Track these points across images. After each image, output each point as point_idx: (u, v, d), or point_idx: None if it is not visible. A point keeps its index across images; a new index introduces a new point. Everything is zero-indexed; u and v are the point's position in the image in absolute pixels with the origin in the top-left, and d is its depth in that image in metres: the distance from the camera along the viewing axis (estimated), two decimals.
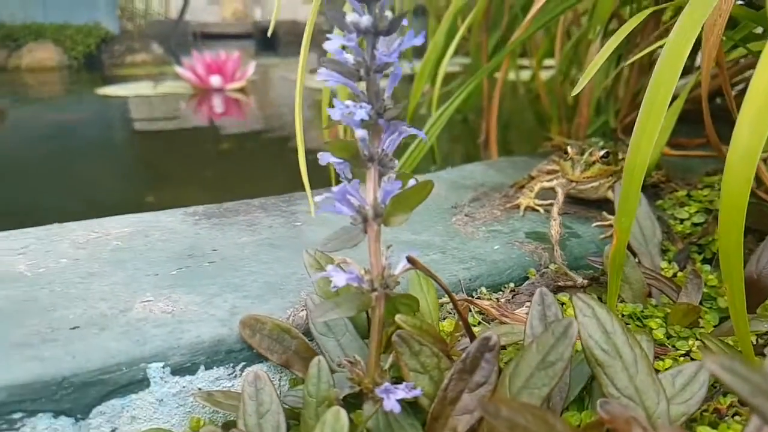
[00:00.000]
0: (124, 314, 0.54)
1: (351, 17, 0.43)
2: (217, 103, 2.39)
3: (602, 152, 0.76)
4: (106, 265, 0.63)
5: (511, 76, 1.70)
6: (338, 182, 0.47)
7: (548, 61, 1.70)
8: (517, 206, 0.80)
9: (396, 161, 0.49)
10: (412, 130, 0.48)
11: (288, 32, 5.56)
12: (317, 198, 0.47)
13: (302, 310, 0.56)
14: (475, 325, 0.59)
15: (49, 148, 1.83)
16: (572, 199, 0.83)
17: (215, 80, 2.45)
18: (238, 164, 1.69)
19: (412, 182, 0.47)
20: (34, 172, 1.59)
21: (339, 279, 0.44)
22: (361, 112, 0.44)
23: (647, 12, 0.70)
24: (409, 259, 0.47)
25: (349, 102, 0.45)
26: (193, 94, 2.53)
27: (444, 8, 1.83)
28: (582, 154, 0.76)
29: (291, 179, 1.60)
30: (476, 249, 0.69)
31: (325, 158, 0.49)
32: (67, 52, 3.64)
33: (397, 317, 0.48)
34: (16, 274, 0.61)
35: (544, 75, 1.70)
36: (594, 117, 1.34)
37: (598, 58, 0.68)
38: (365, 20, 0.43)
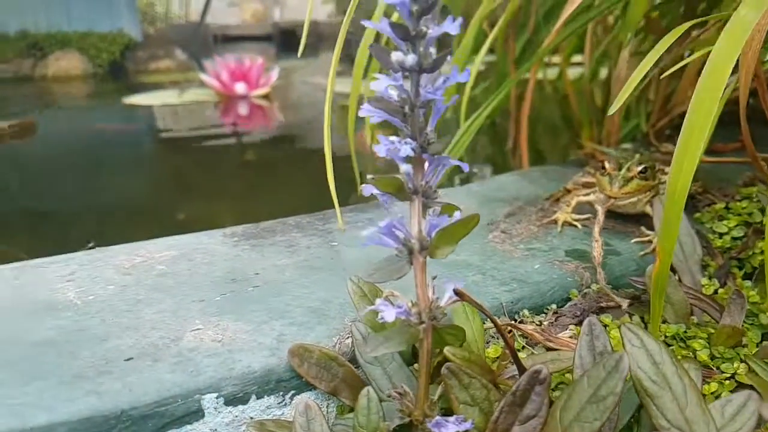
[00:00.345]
0: (175, 344, 0.55)
1: (396, 56, 0.44)
2: (243, 111, 2.41)
3: (640, 167, 0.75)
4: (152, 292, 0.65)
5: (538, 74, 1.68)
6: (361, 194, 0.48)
7: (575, 57, 1.68)
8: (555, 221, 0.80)
9: (439, 192, 0.49)
10: (456, 162, 0.49)
11: (309, 33, 5.56)
12: (364, 232, 0.47)
13: (348, 337, 0.56)
14: (519, 350, 0.59)
15: (79, 162, 1.87)
16: (609, 213, 0.82)
17: (240, 87, 2.47)
18: (265, 174, 1.71)
19: (457, 215, 0.48)
20: (65, 187, 1.62)
21: (389, 314, 0.45)
22: (406, 148, 0.45)
23: (686, 26, 0.69)
24: (456, 292, 0.47)
25: (394, 138, 0.46)
26: (218, 102, 2.55)
27: (466, 8, 1.83)
28: (619, 168, 0.76)
29: (319, 189, 1.61)
30: (516, 269, 0.69)
31: (368, 190, 0.49)
32: (92, 60, 3.70)
33: (446, 350, 0.48)
34: (67, 302, 0.63)
35: (572, 72, 1.68)
36: (624, 121, 1.33)
37: (637, 73, 0.68)
38: (410, 59, 0.43)
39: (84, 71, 3.66)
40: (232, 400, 0.51)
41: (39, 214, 1.42)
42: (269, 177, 1.69)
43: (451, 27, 0.43)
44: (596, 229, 0.71)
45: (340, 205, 0.81)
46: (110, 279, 0.68)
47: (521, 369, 0.50)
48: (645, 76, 0.68)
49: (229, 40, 5.59)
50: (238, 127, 2.29)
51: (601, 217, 0.74)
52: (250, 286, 0.66)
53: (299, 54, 0.91)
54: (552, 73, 2.03)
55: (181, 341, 0.55)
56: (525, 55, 1.53)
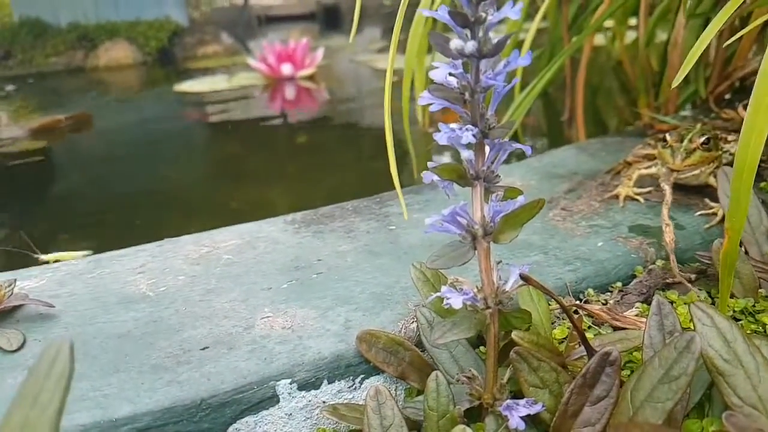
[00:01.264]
0: (247, 332, 0.57)
1: (455, 43, 0.43)
2: (290, 93, 2.43)
3: (702, 138, 0.73)
4: (221, 281, 0.67)
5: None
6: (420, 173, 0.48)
7: (630, 20, 1.61)
8: (616, 196, 0.78)
9: (501, 177, 0.49)
10: (517, 146, 0.48)
11: (351, 9, 5.53)
12: (427, 220, 0.48)
13: (412, 322, 0.57)
14: (585, 330, 0.58)
15: (135, 152, 1.93)
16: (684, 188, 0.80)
17: (286, 69, 2.50)
18: (315, 157, 1.72)
19: (521, 199, 0.47)
20: (123, 178, 1.68)
21: (455, 301, 0.45)
22: (468, 135, 0.45)
23: None
24: (522, 277, 0.47)
25: (454, 125, 0.46)
26: (266, 85, 2.58)
27: None
28: (681, 140, 0.73)
29: (368, 169, 1.62)
30: (579, 247, 0.68)
31: (428, 177, 0.49)
32: (141, 49, 3.78)
33: (514, 334, 0.48)
34: (140, 294, 0.66)
35: (626, 36, 1.61)
36: (682, 87, 1.27)
37: (699, 43, 0.65)
38: (470, 46, 0.43)
39: (134, 60, 3.74)
40: (305, 386, 0.53)
41: (101, 205, 1.47)
42: (318, 158, 1.70)
43: (511, 12, 0.42)
44: (665, 212, 0.69)
45: (391, 185, 0.81)
46: (180, 269, 0.70)
47: (590, 350, 0.49)
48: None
49: (272, 20, 5.62)
50: (286, 110, 2.31)
51: (668, 196, 0.72)
52: (314, 272, 0.68)
53: (351, 38, 0.90)
54: (603, 38, 1.95)
55: (253, 329, 0.58)
56: (578, 21, 1.47)
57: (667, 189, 0.73)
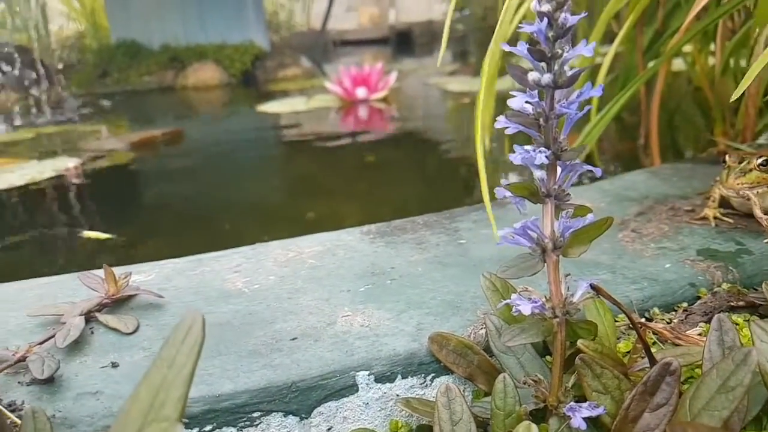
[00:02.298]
0: (330, 327, 0.63)
1: (532, 75, 0.49)
2: (363, 114, 2.54)
3: (760, 160, 0.75)
4: (307, 282, 0.74)
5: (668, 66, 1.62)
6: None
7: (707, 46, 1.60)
8: (703, 218, 0.81)
9: (571, 195, 0.53)
10: (587, 167, 0.52)
11: (423, 33, 5.69)
12: (499, 232, 0.52)
13: (481, 328, 0.62)
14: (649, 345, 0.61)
15: (221, 165, 2.06)
16: (740, 213, 0.81)
17: (360, 92, 2.61)
18: (384, 174, 1.79)
19: (590, 216, 0.52)
20: (210, 189, 1.81)
21: (525, 307, 0.50)
22: (541, 157, 0.49)
23: None
24: (593, 287, 0.51)
25: (528, 147, 0.51)
26: (341, 107, 2.70)
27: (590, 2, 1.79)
28: (742, 161, 0.76)
29: (435, 188, 1.67)
30: (646, 268, 0.70)
31: (501, 193, 0.54)
32: (227, 71, 4.01)
33: (579, 342, 0.52)
34: (237, 290, 0.73)
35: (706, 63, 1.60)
36: (760, 115, 1.26)
37: (755, 65, 0.67)
38: (546, 78, 0.48)
39: (220, 81, 3.98)
40: (381, 378, 0.58)
41: (186, 212, 1.59)
42: (387, 176, 1.77)
43: (585, 50, 0.47)
44: (756, 211, 0.72)
45: (462, 204, 0.86)
46: (270, 270, 0.78)
47: (652, 362, 0.52)
48: None
49: (346, 44, 5.83)
50: (358, 130, 2.41)
51: (716, 197, 0.76)
52: (388, 278, 0.74)
53: (438, 63, 0.96)
54: (681, 63, 1.93)
55: (335, 325, 0.64)
56: (654, 47, 1.49)
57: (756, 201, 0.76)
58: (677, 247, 0.76)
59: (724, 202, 0.83)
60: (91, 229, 1.46)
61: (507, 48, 0.50)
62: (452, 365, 0.59)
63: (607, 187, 1.00)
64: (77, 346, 0.63)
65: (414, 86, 3.27)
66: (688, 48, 1.66)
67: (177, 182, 1.91)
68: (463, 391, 0.61)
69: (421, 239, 0.85)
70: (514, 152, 0.51)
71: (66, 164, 2.02)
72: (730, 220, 0.80)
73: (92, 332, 0.66)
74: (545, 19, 0.47)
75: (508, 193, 0.53)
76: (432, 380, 0.59)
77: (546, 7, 0.47)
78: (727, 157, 0.78)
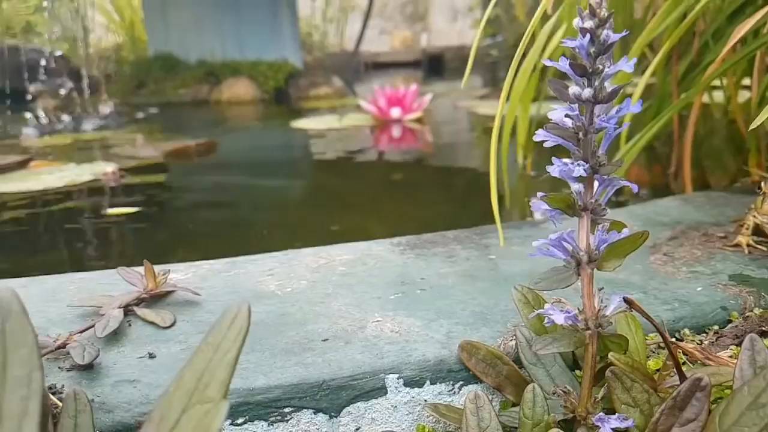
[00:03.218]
0: (361, 331, 0.64)
1: (573, 89, 0.50)
2: (396, 134, 2.57)
3: None
4: (338, 288, 0.75)
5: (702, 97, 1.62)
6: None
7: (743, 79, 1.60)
8: (737, 245, 0.81)
9: (608, 210, 0.54)
10: (625, 182, 0.53)
11: (454, 58, 5.75)
12: (534, 243, 0.53)
13: (511, 339, 0.62)
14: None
15: (253, 176, 2.10)
16: None
17: (395, 112, 2.64)
18: (412, 192, 1.81)
19: (626, 231, 0.52)
20: (240, 198, 1.84)
21: (558, 317, 0.50)
22: (579, 170, 0.51)
23: None
24: (627, 300, 0.51)
25: (567, 160, 0.52)
26: (375, 126, 2.74)
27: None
28: None
29: (462, 205, 1.68)
30: (678, 290, 0.70)
31: (537, 206, 0.55)
32: (260, 87, 4.09)
33: (611, 355, 0.52)
34: (270, 292, 0.75)
35: (740, 96, 1.60)
36: None
37: None
38: (586, 93, 0.49)
39: (253, 96, 4.06)
40: (410, 383, 0.59)
41: (216, 219, 1.62)
42: (415, 193, 1.79)
43: (626, 66, 0.48)
44: None
45: (483, 222, 0.87)
46: (302, 275, 0.79)
47: (682, 379, 0.52)
48: None
49: (378, 66, 5.91)
50: (391, 148, 2.44)
51: (749, 225, 0.76)
52: (418, 288, 0.75)
53: (463, 84, 0.98)
54: (716, 95, 1.93)
55: (365, 329, 0.65)
56: (688, 77, 1.49)
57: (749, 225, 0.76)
58: (710, 271, 0.76)
59: (757, 230, 0.82)
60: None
61: (549, 63, 0.52)
62: (481, 374, 0.59)
63: (639, 211, 1.00)
64: (115, 336, 0.65)
65: (446, 108, 3.30)
66: (720, 80, 1.66)
67: (208, 190, 1.95)
68: (491, 401, 0.61)
69: (452, 253, 0.86)
70: (552, 165, 0.52)
71: (104, 169, 2.08)
72: (764, 248, 0.80)
73: (129, 325, 0.68)
74: (588, 35, 0.48)
75: (545, 206, 0.54)
76: (460, 388, 0.60)
77: (589, 24, 0.48)
78: (762, 185, 0.79)
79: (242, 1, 4.46)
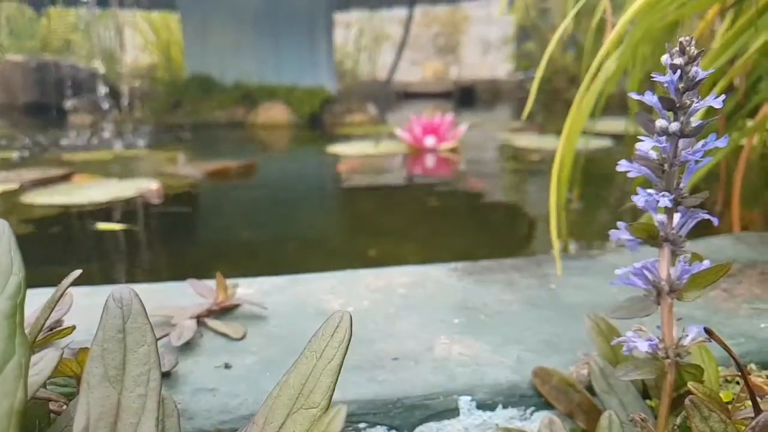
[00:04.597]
0: (429, 352, 0.65)
1: (660, 123, 0.51)
2: (430, 162, 2.60)
3: None
4: (400, 309, 0.77)
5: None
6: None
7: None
8: None
9: (687, 242, 0.55)
10: (706, 216, 0.54)
11: (486, 90, 5.83)
12: (618, 271, 0.55)
13: (583, 368, 0.63)
14: (746, 399, 0.61)
15: (292, 198, 2.14)
16: None
17: (429, 141, 2.68)
18: (447, 221, 1.82)
19: (707, 262, 0.53)
20: (279, 218, 1.87)
21: (642, 345, 0.51)
22: (665, 200, 0.52)
23: None
24: (707, 331, 0.52)
25: (651, 191, 0.53)
26: (409, 153, 2.77)
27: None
28: None
29: (494, 236, 1.68)
30: (742, 326, 0.71)
31: (615, 235, 0.57)
32: (296, 112, 4.17)
33: (690, 384, 0.53)
34: (333, 310, 0.76)
35: None
36: None
37: None
38: (673, 126, 0.51)
39: (288, 121, 4.13)
40: (482, 405, 0.59)
41: (256, 238, 1.65)
42: (450, 222, 1.80)
43: (715, 102, 0.49)
44: None
45: (527, 254, 0.88)
46: (363, 295, 0.81)
47: (757, 410, 0.53)
48: None
49: (410, 96, 6.00)
50: (424, 177, 2.46)
51: None
52: (482, 314, 0.76)
53: (524, 116, 1.01)
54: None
55: (434, 351, 0.66)
56: (734, 119, 1.50)
57: None
58: None
59: None
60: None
61: (636, 96, 0.53)
62: (554, 401, 0.60)
63: (692, 248, 1.00)
64: (189, 347, 0.67)
65: (480, 139, 3.33)
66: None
67: (248, 211, 1.99)
68: (563, 427, 0.61)
69: (511, 280, 0.87)
70: (637, 194, 0.53)
71: (148, 185, 2.13)
72: None
73: (201, 336, 0.70)
74: (678, 71, 0.50)
75: (626, 235, 0.55)
76: (531, 413, 0.60)
77: (678, 60, 0.50)
78: None
79: (281, 27, 4.58)
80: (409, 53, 6.91)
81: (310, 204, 2.10)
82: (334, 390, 0.41)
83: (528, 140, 3.09)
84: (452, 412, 0.59)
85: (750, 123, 1.30)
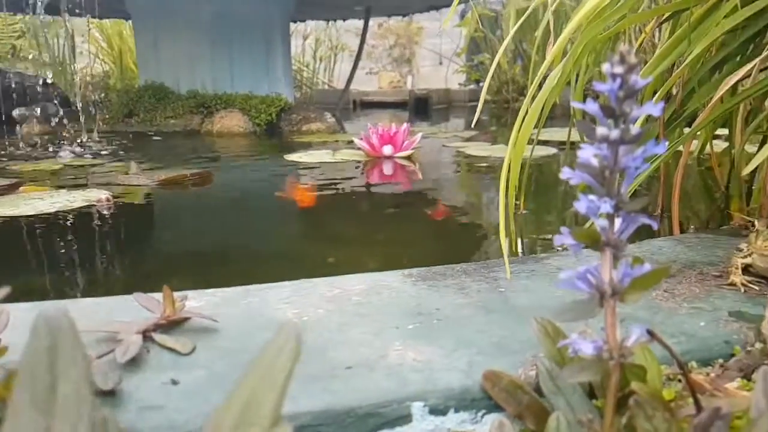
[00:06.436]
0: (383, 359, 0.66)
1: (601, 131, 0.53)
2: (387, 170, 2.61)
3: None
4: (354, 317, 0.77)
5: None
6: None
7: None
8: (732, 284, 0.85)
9: (627, 246, 0.57)
10: (645, 220, 0.56)
11: (439, 101, 5.91)
12: (562, 275, 0.56)
13: (531, 369, 0.64)
14: (687, 397, 0.63)
15: (248, 207, 2.11)
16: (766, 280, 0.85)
17: (387, 149, 2.70)
18: (404, 226, 1.84)
19: (647, 265, 0.55)
20: (235, 228, 1.85)
21: (586, 347, 0.53)
22: (606, 206, 0.54)
23: None
24: (649, 332, 0.54)
25: (592, 197, 0.55)
26: (367, 161, 2.79)
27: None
28: None
29: (449, 241, 1.71)
30: (682, 324, 0.73)
31: (559, 240, 0.58)
32: (252, 120, 4.13)
33: (634, 384, 0.55)
34: (287, 320, 0.76)
35: (716, 145, 1.69)
36: None
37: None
38: (614, 134, 0.53)
39: (245, 129, 4.08)
40: (434, 411, 0.60)
41: (210, 251, 1.62)
42: (407, 228, 1.82)
43: (653, 109, 0.52)
44: None
45: (472, 255, 0.89)
46: (318, 304, 0.81)
47: (699, 408, 0.55)
48: None
49: (366, 105, 6.03)
50: (381, 184, 2.48)
51: (738, 265, 0.80)
52: (435, 318, 0.77)
53: (473, 124, 1.02)
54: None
55: (387, 357, 0.66)
56: (671, 126, 1.56)
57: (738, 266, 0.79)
58: (710, 308, 0.79)
59: (746, 271, 0.86)
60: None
61: (578, 105, 0.55)
62: (503, 403, 0.61)
63: (636, 250, 1.04)
64: (134, 362, 0.66)
65: (435, 148, 3.37)
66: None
67: (203, 220, 1.95)
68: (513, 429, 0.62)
69: (463, 285, 0.88)
70: (578, 200, 0.55)
71: (97, 195, 2.07)
72: (756, 287, 0.84)
73: (148, 351, 0.68)
74: (618, 80, 0.52)
75: (569, 239, 0.57)
76: (482, 416, 0.61)
77: (619, 69, 0.52)
78: (756, 222, 0.83)
79: (236, 36, 4.54)
80: (365, 63, 6.94)
81: (267, 213, 2.08)
82: (282, 403, 0.41)
83: (480, 149, 3.16)
84: (405, 418, 0.59)
85: (687, 130, 1.36)
